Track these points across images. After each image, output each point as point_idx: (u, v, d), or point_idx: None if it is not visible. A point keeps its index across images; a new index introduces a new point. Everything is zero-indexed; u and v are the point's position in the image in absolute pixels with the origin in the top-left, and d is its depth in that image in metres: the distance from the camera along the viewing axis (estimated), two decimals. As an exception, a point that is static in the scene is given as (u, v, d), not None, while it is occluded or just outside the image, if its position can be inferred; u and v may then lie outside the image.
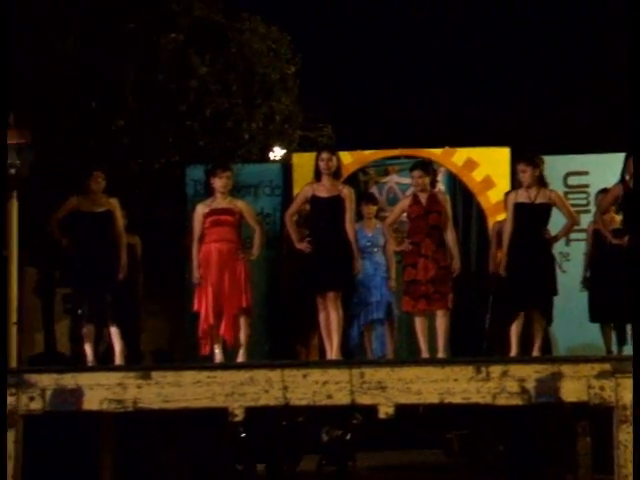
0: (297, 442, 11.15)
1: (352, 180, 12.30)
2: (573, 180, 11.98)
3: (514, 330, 8.98)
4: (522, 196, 9.34)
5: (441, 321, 9.29)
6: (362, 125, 21.03)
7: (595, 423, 9.14)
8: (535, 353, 8.68)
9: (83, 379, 7.48)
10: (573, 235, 11.00)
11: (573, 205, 10.27)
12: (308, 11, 24.89)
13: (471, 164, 12.41)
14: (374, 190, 12.59)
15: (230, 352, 9.21)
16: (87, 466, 8.93)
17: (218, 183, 9.57)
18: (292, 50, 17.19)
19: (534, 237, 9.18)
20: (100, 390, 7.42)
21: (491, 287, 10.76)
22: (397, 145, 12.93)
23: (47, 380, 7.49)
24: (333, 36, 25.64)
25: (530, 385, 7.26)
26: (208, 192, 9.68)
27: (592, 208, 11.08)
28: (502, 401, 7.31)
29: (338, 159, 9.61)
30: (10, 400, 7.42)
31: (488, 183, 12.18)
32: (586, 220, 10.65)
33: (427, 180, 9.66)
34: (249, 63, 16.19)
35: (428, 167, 9.82)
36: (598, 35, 20.68)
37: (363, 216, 11.11)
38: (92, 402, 7.43)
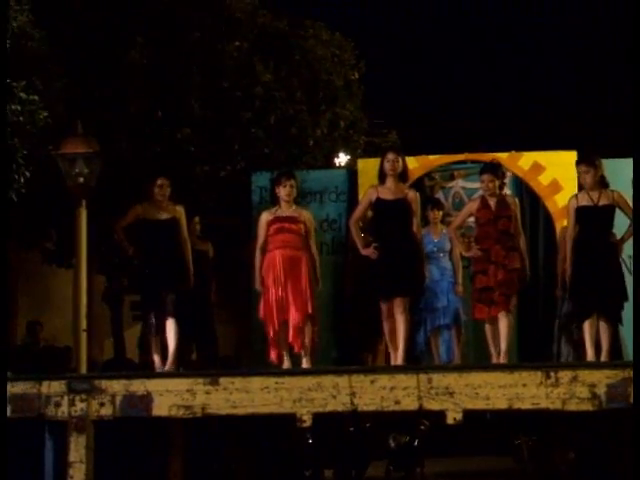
0: (365, 448, 11.11)
1: (418, 185, 12.28)
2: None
3: (587, 335, 8.84)
4: (584, 199, 9.13)
5: (502, 323, 9.14)
6: (427, 130, 20.97)
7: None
8: (603, 358, 8.62)
9: (152, 385, 7.54)
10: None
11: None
12: (371, 17, 24.89)
13: (538, 168, 12.33)
14: (440, 195, 12.57)
15: (296, 358, 9.26)
16: (156, 471, 8.98)
17: (282, 192, 9.58)
18: (356, 56, 17.17)
19: (600, 241, 8.99)
20: (169, 396, 7.47)
21: (559, 293, 10.67)
22: (462, 150, 12.89)
23: (117, 386, 7.56)
24: (396, 41, 25.59)
25: (601, 390, 7.18)
26: (274, 201, 9.70)
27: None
28: (572, 407, 7.23)
29: (404, 161, 9.41)
30: (81, 406, 7.51)
31: (555, 187, 12.09)
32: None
33: (497, 184, 9.47)
34: (313, 69, 16.20)
35: (497, 170, 9.60)
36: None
37: (429, 221, 11.06)
38: (161, 408, 7.49)
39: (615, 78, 22.81)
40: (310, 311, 9.41)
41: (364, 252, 9.30)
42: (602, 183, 9.13)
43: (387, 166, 9.30)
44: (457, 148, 13.16)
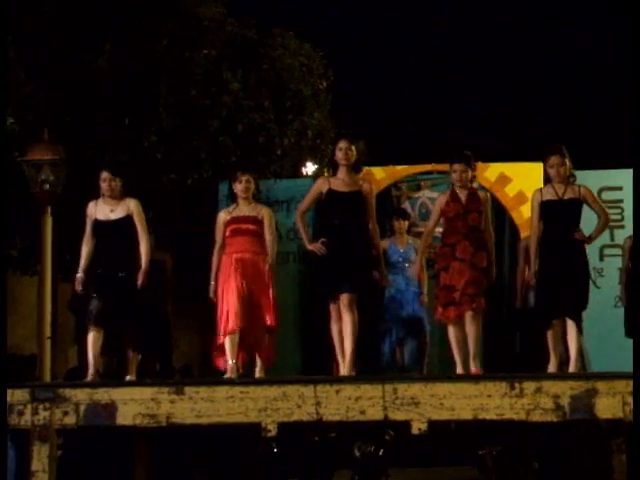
0: (329, 457, 11.11)
1: (384, 195, 12.31)
2: (607, 195, 11.90)
3: (550, 342, 8.53)
4: (549, 193, 8.70)
5: (470, 325, 8.59)
6: (394, 140, 21.04)
7: (630, 440, 9.05)
8: (571, 368, 8.44)
9: (117, 394, 7.50)
10: (607, 250, 10.94)
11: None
12: (340, 26, 24.94)
13: (504, 179, 12.39)
14: (407, 205, 12.60)
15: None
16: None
17: (238, 187, 9.07)
18: (324, 65, 17.21)
19: (565, 237, 8.55)
20: (133, 405, 7.43)
21: (520, 303, 10.74)
22: (429, 160, 12.93)
23: (81, 395, 7.52)
24: (365, 50, 25.66)
25: (564, 402, 7.22)
26: (234, 199, 9.25)
27: (626, 223, 11.01)
28: (536, 417, 7.26)
29: (357, 150, 8.78)
30: (44, 414, 7.46)
31: (521, 198, 12.15)
32: (620, 235, 10.59)
33: (469, 175, 8.87)
34: (281, 79, 16.22)
35: (470, 160, 8.96)
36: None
37: (395, 231, 11.08)
38: (126, 417, 7.45)
39: (584, 89, 23.00)
40: (270, 322, 8.97)
41: (310, 247, 8.69)
42: (570, 178, 8.76)
43: (339, 155, 8.65)
44: (424, 158, 13.20)
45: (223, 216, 9.12)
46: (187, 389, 7.47)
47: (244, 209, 9.07)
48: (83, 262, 9.00)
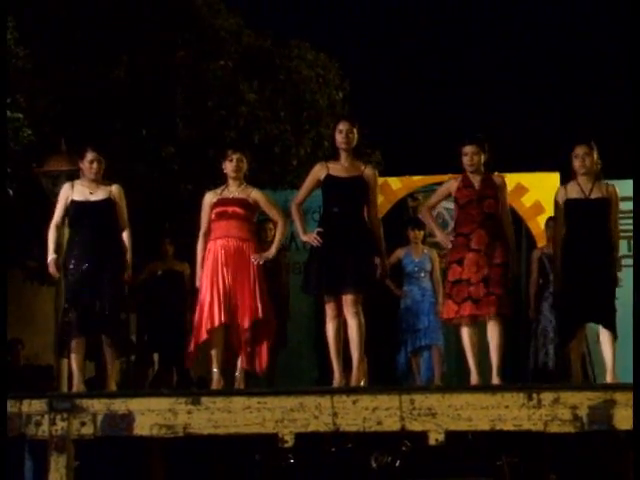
0: (346, 468, 11.09)
1: (401, 206, 12.29)
2: (624, 205, 11.83)
3: (573, 352, 8.20)
4: (574, 191, 8.13)
5: (494, 330, 7.91)
6: (411, 150, 21.05)
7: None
8: (609, 376, 8.14)
9: (134, 404, 7.50)
10: (625, 261, 10.84)
11: (623, 231, 9.70)
12: (356, 37, 24.97)
13: (521, 189, 12.35)
14: (423, 216, 12.56)
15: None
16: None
17: (229, 167, 8.33)
18: (340, 76, 17.24)
19: (592, 239, 8.02)
20: (151, 415, 7.42)
21: (532, 314, 10.71)
22: (446, 171, 12.91)
23: (98, 405, 7.51)
24: (381, 61, 25.68)
25: (582, 412, 7.17)
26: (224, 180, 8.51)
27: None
28: (554, 428, 7.22)
29: (359, 132, 8.00)
30: (62, 425, 7.46)
31: (538, 209, 12.11)
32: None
33: (482, 158, 8.09)
34: (297, 89, 16.28)
35: (483, 143, 8.17)
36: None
37: (410, 241, 11.05)
38: (143, 427, 7.44)
39: (606, 98, 22.95)
40: (261, 315, 8.15)
41: (304, 238, 8.04)
42: (597, 173, 8.19)
43: (339, 138, 7.91)
44: (441, 169, 13.18)
45: (210, 197, 8.34)
46: (204, 399, 7.46)
47: (233, 190, 8.32)
48: (52, 245, 8.37)
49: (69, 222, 8.50)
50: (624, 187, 11.86)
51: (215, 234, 8.21)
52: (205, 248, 8.22)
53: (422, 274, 10.93)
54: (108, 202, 8.34)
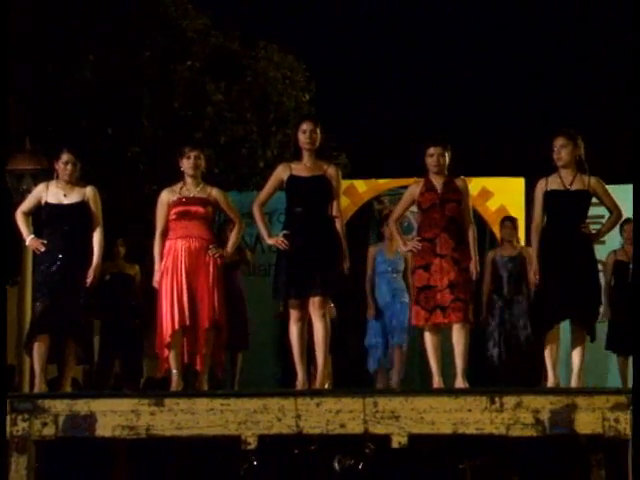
0: (309, 471, 11.08)
1: (367, 208, 12.30)
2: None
3: (548, 352, 8.01)
4: (554, 183, 7.97)
5: (460, 337, 7.93)
6: (377, 153, 21.09)
7: (610, 456, 9.07)
8: (574, 382, 8.14)
9: (96, 405, 7.46)
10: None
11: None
12: (323, 39, 24.98)
13: (486, 194, 12.40)
14: (389, 219, 12.58)
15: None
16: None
17: (186, 164, 8.15)
18: (307, 78, 17.26)
19: (571, 232, 7.88)
20: (113, 416, 7.38)
21: (484, 316, 10.80)
22: (412, 174, 12.94)
23: (60, 406, 7.46)
24: (347, 63, 25.71)
25: (544, 416, 7.20)
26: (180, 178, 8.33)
27: (606, 239, 10.91)
28: (516, 432, 7.25)
29: (322, 133, 7.91)
30: (23, 425, 7.40)
31: (502, 213, 12.15)
32: (600, 252, 10.46)
33: (446, 160, 8.07)
34: (264, 91, 16.29)
35: (447, 144, 8.14)
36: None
37: (384, 238, 10.77)
38: (105, 428, 7.40)
39: (573, 103, 23.08)
40: (219, 317, 8.08)
41: (270, 241, 7.94)
42: (579, 166, 8.00)
43: (303, 138, 7.81)
44: (406, 172, 13.23)
45: (167, 196, 8.16)
46: (167, 401, 7.43)
47: (192, 189, 8.16)
48: (26, 228, 8.32)
49: (43, 223, 8.43)
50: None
51: (176, 234, 8.09)
52: (163, 247, 8.10)
53: (394, 275, 10.65)
54: (81, 205, 8.28)
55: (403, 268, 10.60)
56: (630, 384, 9.77)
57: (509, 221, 11.22)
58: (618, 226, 9.61)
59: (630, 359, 10.03)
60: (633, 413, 6.92)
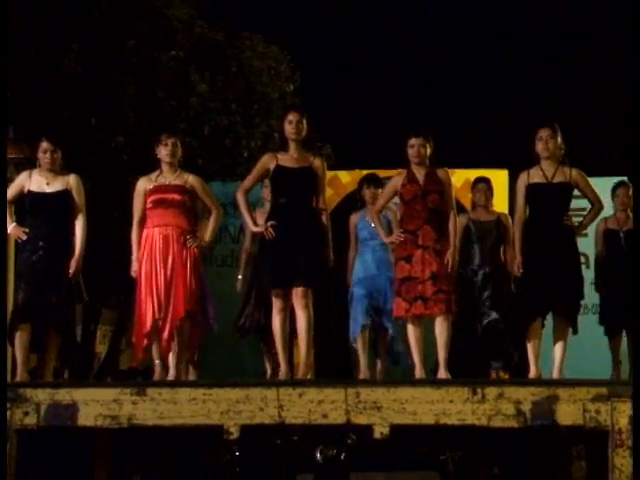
0: (291, 461, 11.10)
1: (350, 199, 12.28)
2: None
3: (531, 345, 8.02)
4: (536, 176, 7.98)
5: (442, 328, 7.96)
6: (361, 144, 21.10)
7: (590, 447, 9.12)
8: (556, 374, 8.16)
9: (78, 394, 7.44)
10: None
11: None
12: (307, 30, 24.97)
13: (469, 185, 12.41)
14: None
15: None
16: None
17: (163, 151, 8.07)
18: (291, 68, 17.26)
19: (553, 224, 7.91)
20: (95, 406, 7.37)
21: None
22: (395, 165, 12.94)
23: (42, 395, 7.45)
24: (332, 54, 25.70)
25: (526, 407, 7.23)
26: (157, 166, 8.25)
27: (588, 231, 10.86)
28: (497, 423, 7.27)
29: (309, 123, 7.91)
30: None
31: (486, 205, 12.12)
32: (582, 244, 10.37)
33: (428, 151, 8.09)
34: (249, 81, 16.28)
35: (429, 136, 8.17)
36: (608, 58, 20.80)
37: (365, 202, 9.49)
38: (87, 418, 7.39)
39: (550, 97, 23.13)
40: (191, 307, 8.05)
41: (255, 229, 8.00)
42: (561, 159, 8.03)
43: (289, 129, 7.81)
44: (390, 163, 13.23)
45: (143, 184, 8.12)
46: (149, 390, 7.42)
47: (169, 177, 8.08)
48: (8, 217, 8.24)
49: (26, 212, 8.39)
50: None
51: (152, 222, 8.06)
52: (140, 236, 8.07)
53: (378, 242, 9.17)
54: (64, 193, 8.24)
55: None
56: (623, 366, 9.64)
57: (482, 182, 9.79)
58: (610, 193, 9.57)
59: (624, 338, 9.57)
60: (633, 409, 6.95)
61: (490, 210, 9.68)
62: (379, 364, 9.88)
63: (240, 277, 9.75)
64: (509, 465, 10.21)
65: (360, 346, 9.36)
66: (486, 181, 9.78)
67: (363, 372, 9.40)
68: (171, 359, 8.20)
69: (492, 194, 9.76)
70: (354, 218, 9.57)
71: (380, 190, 9.18)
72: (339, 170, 12.86)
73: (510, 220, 9.13)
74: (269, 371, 9.87)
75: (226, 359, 11.27)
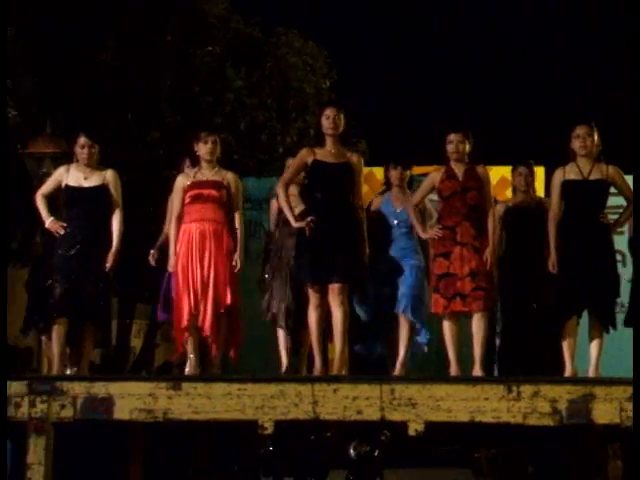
0: (325, 457, 11.11)
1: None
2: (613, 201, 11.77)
3: (566, 342, 7.94)
4: (572, 172, 7.93)
5: (479, 325, 7.91)
6: (397, 141, 21.07)
7: (627, 446, 9.06)
8: (592, 370, 8.05)
9: (114, 388, 7.49)
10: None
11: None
12: (345, 26, 24.96)
13: (505, 182, 12.35)
14: (407, 207, 12.50)
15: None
16: (116, 475, 8.94)
17: (203, 149, 8.14)
18: (328, 64, 17.24)
19: (589, 222, 7.82)
20: (131, 399, 7.41)
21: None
22: (432, 162, 12.91)
23: (78, 388, 7.50)
24: (369, 51, 25.67)
25: (562, 406, 7.20)
26: (196, 163, 8.31)
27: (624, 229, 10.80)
28: (533, 421, 7.24)
29: (346, 119, 7.91)
30: (41, 407, 7.44)
31: (522, 202, 12.06)
32: (618, 242, 10.27)
33: (466, 147, 8.04)
34: (285, 77, 16.28)
35: (468, 132, 8.11)
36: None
37: (390, 185, 8.88)
38: (123, 411, 7.43)
39: (588, 97, 23.01)
40: (229, 302, 8.04)
41: (297, 225, 7.86)
42: (597, 156, 7.95)
43: (326, 124, 7.83)
44: (426, 160, 13.20)
45: (182, 180, 8.20)
46: (184, 385, 7.45)
47: (207, 173, 8.15)
48: (45, 211, 8.30)
49: (62, 206, 8.43)
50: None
51: (190, 217, 8.10)
52: (178, 231, 8.11)
53: (404, 229, 8.67)
54: (101, 188, 8.30)
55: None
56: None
57: (523, 166, 9.07)
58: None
59: None
60: (634, 409, 6.91)
61: (531, 195, 9.05)
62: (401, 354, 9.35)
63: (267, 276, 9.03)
64: (543, 464, 10.17)
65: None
66: (527, 164, 9.10)
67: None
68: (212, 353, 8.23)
69: (533, 179, 9.13)
70: (377, 201, 8.97)
71: (408, 172, 8.88)
72: (374, 167, 12.84)
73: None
74: (285, 362, 9.03)
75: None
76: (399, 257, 8.62)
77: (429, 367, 10.98)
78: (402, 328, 8.62)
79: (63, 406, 7.48)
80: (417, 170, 12.69)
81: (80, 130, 8.50)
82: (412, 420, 7.30)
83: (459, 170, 8.06)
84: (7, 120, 10.89)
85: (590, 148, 7.96)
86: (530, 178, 9.07)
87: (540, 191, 11.78)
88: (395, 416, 7.33)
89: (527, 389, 7.25)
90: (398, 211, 8.63)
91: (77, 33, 14.48)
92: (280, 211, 8.46)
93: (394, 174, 8.77)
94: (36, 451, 7.43)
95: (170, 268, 8.21)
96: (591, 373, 8.16)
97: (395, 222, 8.65)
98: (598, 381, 7.52)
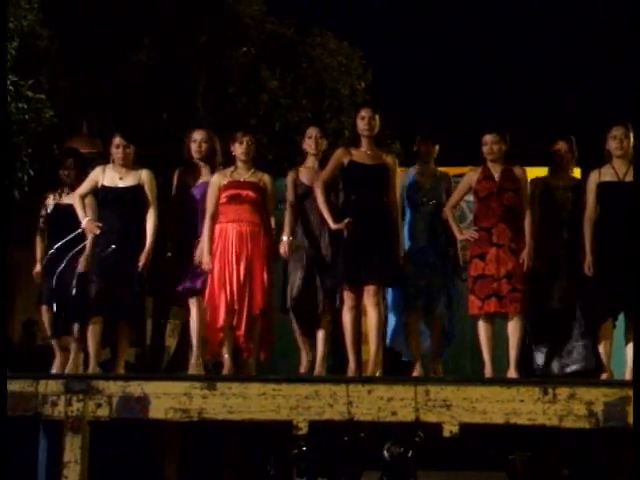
0: (358, 458, 11.10)
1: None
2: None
3: (603, 345, 7.91)
4: (608, 174, 7.87)
5: (515, 327, 7.88)
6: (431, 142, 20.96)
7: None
8: (629, 373, 7.94)
9: (150, 387, 7.52)
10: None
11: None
12: (380, 26, 24.95)
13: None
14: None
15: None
16: (151, 475, 8.98)
17: (238, 149, 8.15)
18: (363, 66, 17.22)
19: (624, 224, 7.66)
20: (166, 399, 7.44)
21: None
22: (466, 163, 12.87)
23: (114, 387, 7.54)
24: (404, 51, 25.65)
25: (598, 409, 7.15)
26: (231, 163, 8.29)
27: None
28: (569, 424, 7.20)
29: (381, 120, 7.94)
30: (77, 406, 7.49)
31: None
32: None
33: (502, 147, 8.00)
34: (319, 78, 16.28)
35: (504, 132, 8.07)
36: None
37: (420, 157, 8.54)
38: (158, 410, 7.46)
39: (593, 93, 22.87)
40: (264, 304, 8.02)
41: (335, 226, 7.84)
42: (633, 157, 7.85)
43: (361, 125, 7.90)
44: (461, 161, 13.16)
45: (218, 179, 8.12)
46: (219, 385, 7.47)
47: (244, 174, 8.13)
48: (82, 211, 8.37)
49: (98, 206, 8.48)
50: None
51: (226, 217, 8.08)
52: (213, 230, 8.08)
53: (432, 206, 8.40)
54: (136, 188, 8.35)
55: (444, 199, 8.37)
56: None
57: (562, 141, 8.38)
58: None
59: None
60: (634, 409, 6.85)
61: (569, 176, 8.45)
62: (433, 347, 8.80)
63: (285, 238, 8.30)
64: (579, 467, 10.11)
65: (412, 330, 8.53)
66: (568, 140, 8.42)
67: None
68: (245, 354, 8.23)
69: (573, 156, 8.38)
70: (404, 177, 8.57)
71: (437, 147, 8.63)
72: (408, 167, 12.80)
73: None
74: (304, 361, 8.67)
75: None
76: (427, 239, 8.32)
77: (463, 369, 10.95)
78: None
79: (99, 405, 7.53)
80: (451, 171, 12.69)
81: (115, 130, 8.57)
82: (447, 422, 7.28)
83: (496, 171, 8.03)
84: (8, 120, 10.90)
85: (626, 149, 7.90)
86: (569, 154, 8.39)
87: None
88: (430, 417, 7.31)
89: (563, 391, 7.21)
90: (427, 186, 8.44)
91: (113, 32, 14.55)
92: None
93: (423, 148, 8.57)
94: (72, 449, 7.47)
95: (205, 267, 8.16)
96: (628, 376, 8.10)
97: (424, 199, 8.42)
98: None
